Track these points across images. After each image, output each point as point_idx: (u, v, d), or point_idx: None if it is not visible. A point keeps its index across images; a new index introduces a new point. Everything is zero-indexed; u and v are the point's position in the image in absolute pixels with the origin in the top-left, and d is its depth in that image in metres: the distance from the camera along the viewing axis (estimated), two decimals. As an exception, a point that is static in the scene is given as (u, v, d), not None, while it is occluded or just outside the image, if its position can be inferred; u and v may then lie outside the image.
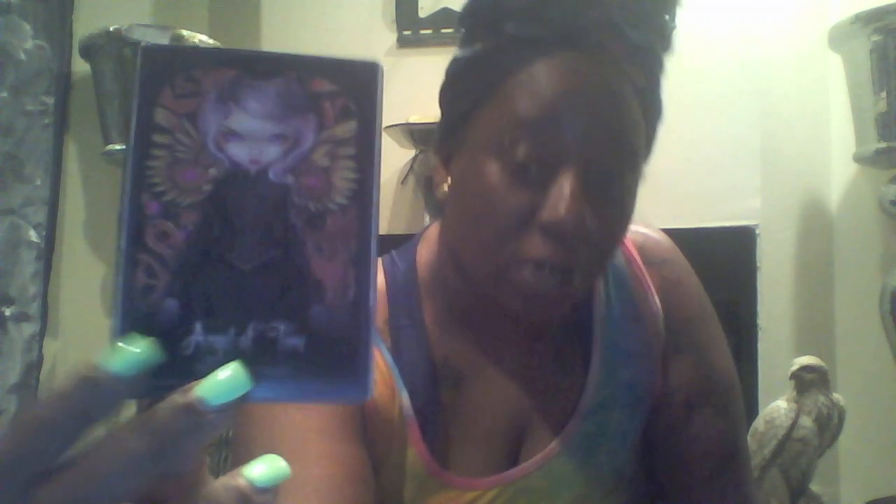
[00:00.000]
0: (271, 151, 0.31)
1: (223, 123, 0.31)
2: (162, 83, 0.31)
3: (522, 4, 0.59)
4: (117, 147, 1.75)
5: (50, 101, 1.75)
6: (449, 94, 0.64)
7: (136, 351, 0.28)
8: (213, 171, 0.31)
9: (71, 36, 1.83)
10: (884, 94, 1.57)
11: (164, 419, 0.28)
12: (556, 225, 0.56)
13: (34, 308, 1.72)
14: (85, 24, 1.81)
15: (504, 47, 0.60)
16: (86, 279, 1.91)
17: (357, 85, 0.32)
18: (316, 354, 0.30)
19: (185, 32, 1.74)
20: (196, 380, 0.29)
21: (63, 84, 1.81)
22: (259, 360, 0.30)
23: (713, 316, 0.75)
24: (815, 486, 1.50)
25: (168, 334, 0.30)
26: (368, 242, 0.31)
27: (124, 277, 0.30)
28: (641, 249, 0.73)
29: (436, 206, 0.67)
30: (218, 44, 1.81)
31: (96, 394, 0.27)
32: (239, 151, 0.31)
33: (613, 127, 0.58)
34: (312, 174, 0.31)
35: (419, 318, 0.67)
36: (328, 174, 0.31)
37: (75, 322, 1.88)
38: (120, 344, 0.28)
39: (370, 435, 0.64)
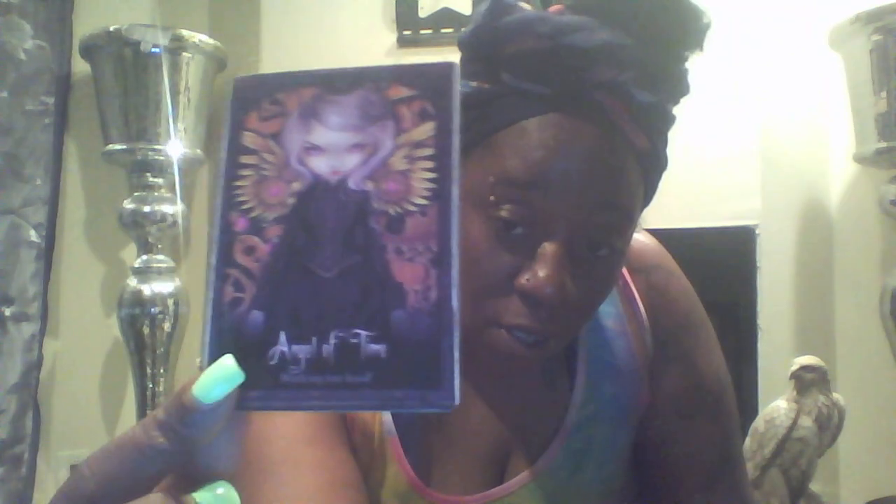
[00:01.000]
0: (351, 161, 0.32)
1: (305, 139, 0.32)
2: (250, 108, 0.33)
3: (522, 56, 0.56)
4: (117, 147, 1.75)
5: (50, 101, 1.75)
6: None
7: (223, 382, 0.29)
8: (296, 185, 0.32)
9: (71, 36, 1.83)
10: (884, 94, 1.57)
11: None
12: (535, 292, 0.54)
13: (34, 308, 1.72)
14: (85, 24, 1.81)
15: (498, 95, 0.57)
16: (86, 279, 1.91)
17: (433, 86, 0.33)
18: (399, 361, 0.29)
19: (185, 32, 1.74)
20: (280, 390, 0.29)
21: (63, 84, 1.81)
22: (342, 368, 0.29)
23: (703, 320, 0.73)
24: (815, 486, 1.50)
25: (254, 345, 0.30)
26: (449, 242, 0.31)
27: (214, 292, 0.31)
28: (627, 258, 0.72)
29: None
30: (218, 44, 1.81)
31: (192, 422, 0.28)
32: (320, 164, 0.32)
33: (605, 198, 0.55)
34: (391, 178, 0.31)
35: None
36: (406, 177, 0.31)
37: (75, 322, 1.88)
38: (209, 373, 0.29)
39: (351, 449, 0.63)
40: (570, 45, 0.54)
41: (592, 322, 0.70)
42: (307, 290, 0.30)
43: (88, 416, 1.89)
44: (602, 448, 0.68)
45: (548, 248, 0.55)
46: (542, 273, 0.54)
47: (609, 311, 0.71)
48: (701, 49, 0.59)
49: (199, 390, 0.28)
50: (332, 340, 0.30)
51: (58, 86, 1.78)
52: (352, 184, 0.31)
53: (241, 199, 0.32)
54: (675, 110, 0.61)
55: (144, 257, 1.78)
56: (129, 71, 1.72)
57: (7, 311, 1.68)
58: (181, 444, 0.28)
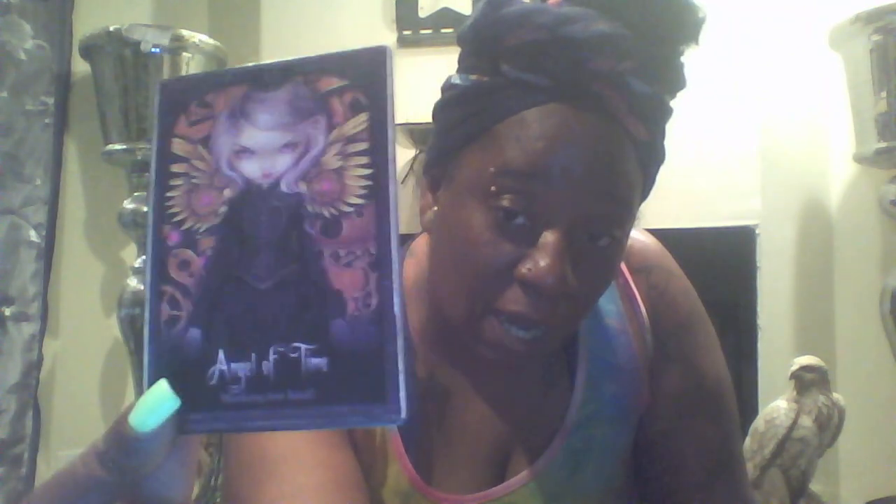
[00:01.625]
0: (283, 162, 0.30)
1: (235, 142, 0.31)
2: (178, 113, 0.31)
3: (522, 48, 0.56)
4: (117, 147, 1.75)
5: (50, 101, 1.75)
6: (442, 120, 0.62)
7: (158, 409, 0.28)
8: (227, 192, 0.30)
9: (71, 36, 1.83)
10: (884, 94, 1.57)
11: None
12: (536, 281, 0.54)
13: (34, 308, 1.72)
14: (85, 24, 1.81)
15: (498, 87, 0.57)
16: (86, 279, 1.91)
17: (366, 74, 0.30)
18: (341, 374, 0.28)
19: (185, 32, 1.74)
20: (222, 411, 0.28)
21: (63, 84, 1.81)
22: (283, 384, 0.28)
23: (703, 319, 0.73)
24: (815, 486, 1.50)
25: (193, 365, 0.29)
26: (388, 243, 0.29)
27: (151, 311, 0.30)
28: (628, 256, 0.72)
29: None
30: (218, 44, 1.81)
31: (132, 451, 0.27)
32: (251, 167, 0.30)
33: (605, 187, 0.56)
34: (324, 178, 0.30)
35: (406, 333, 0.66)
36: (341, 175, 0.30)
37: (75, 322, 1.88)
38: (144, 400, 0.28)
39: (353, 447, 0.63)
40: (570, 35, 0.55)
41: (593, 321, 0.70)
42: (243, 304, 0.29)
43: (88, 416, 1.89)
44: (602, 447, 0.68)
45: (549, 237, 0.55)
46: (543, 263, 0.54)
47: (609, 311, 0.71)
48: (696, 42, 0.59)
49: (135, 419, 0.27)
50: (272, 356, 0.28)
51: (58, 86, 1.78)
52: (284, 186, 0.30)
53: (173, 210, 0.30)
54: (674, 106, 0.61)
55: (144, 257, 1.78)
56: (129, 71, 1.72)
57: (7, 311, 1.67)
58: (123, 475, 0.27)
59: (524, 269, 0.55)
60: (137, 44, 1.68)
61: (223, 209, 0.30)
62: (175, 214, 0.31)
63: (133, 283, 1.76)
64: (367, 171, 0.29)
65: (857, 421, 1.58)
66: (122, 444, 0.27)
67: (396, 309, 0.28)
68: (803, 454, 1.43)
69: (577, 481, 0.66)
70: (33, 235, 1.72)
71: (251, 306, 0.29)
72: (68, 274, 1.87)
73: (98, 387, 1.92)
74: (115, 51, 1.72)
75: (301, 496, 0.57)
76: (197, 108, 0.31)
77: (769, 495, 1.44)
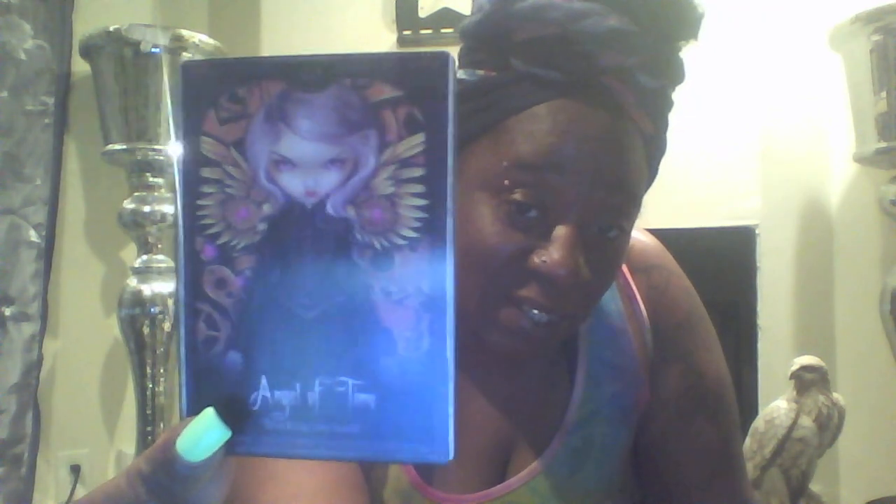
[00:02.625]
0: (328, 179, 0.28)
1: (273, 150, 0.28)
2: (206, 107, 0.29)
3: (533, 43, 0.57)
4: (117, 147, 1.75)
5: (50, 101, 1.75)
6: None
7: (208, 440, 0.27)
8: (266, 208, 0.28)
9: (71, 36, 1.83)
10: (884, 94, 1.57)
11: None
12: (550, 273, 0.55)
13: (34, 308, 1.72)
14: (85, 24, 1.81)
15: (508, 82, 0.57)
16: (86, 279, 1.91)
17: (423, 86, 0.27)
18: (389, 412, 0.27)
19: (185, 32, 1.74)
20: (266, 436, 0.28)
21: (63, 84, 1.81)
22: (329, 417, 0.28)
23: (703, 319, 0.73)
24: (815, 486, 1.50)
25: (234, 388, 0.28)
26: (443, 283, 0.28)
27: (186, 329, 0.29)
28: (628, 256, 0.72)
29: None
30: (218, 44, 1.81)
31: (180, 478, 0.27)
32: (293, 182, 0.28)
33: (616, 179, 0.56)
34: (375, 204, 0.28)
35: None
36: (393, 203, 0.28)
37: (75, 322, 1.88)
38: (193, 429, 0.27)
39: None
40: (581, 31, 0.55)
41: (593, 320, 0.70)
42: (287, 332, 0.28)
43: (88, 416, 1.89)
44: (602, 447, 0.68)
45: (561, 230, 0.56)
46: (556, 255, 0.55)
47: (610, 310, 0.71)
48: (696, 38, 0.60)
49: (183, 446, 0.27)
50: (317, 388, 0.28)
51: (58, 86, 1.78)
52: (330, 209, 0.28)
53: (206, 221, 0.28)
54: (675, 106, 0.62)
55: (144, 257, 1.78)
56: (129, 71, 1.72)
57: (7, 311, 1.67)
58: (168, 499, 0.27)
59: (538, 260, 0.56)
60: (137, 44, 1.68)
61: (262, 226, 0.28)
62: (209, 226, 0.29)
63: (133, 283, 1.76)
64: (422, 203, 0.28)
65: (857, 421, 1.58)
66: (169, 471, 0.27)
67: (449, 353, 0.27)
68: (803, 454, 1.43)
69: (577, 480, 0.67)
70: (33, 235, 1.72)
71: (295, 335, 0.28)
72: (68, 274, 1.87)
73: (98, 387, 1.92)
74: (115, 51, 1.72)
75: (302, 497, 0.57)
76: (228, 104, 0.28)
77: (769, 495, 1.44)
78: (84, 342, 1.90)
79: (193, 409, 0.28)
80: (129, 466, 0.28)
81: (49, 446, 1.80)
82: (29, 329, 1.71)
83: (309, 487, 0.57)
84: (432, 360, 0.27)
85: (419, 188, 0.27)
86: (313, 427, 0.28)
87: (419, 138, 0.27)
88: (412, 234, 0.28)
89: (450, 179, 0.27)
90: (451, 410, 0.27)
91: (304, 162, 0.28)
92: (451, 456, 0.27)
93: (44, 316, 1.76)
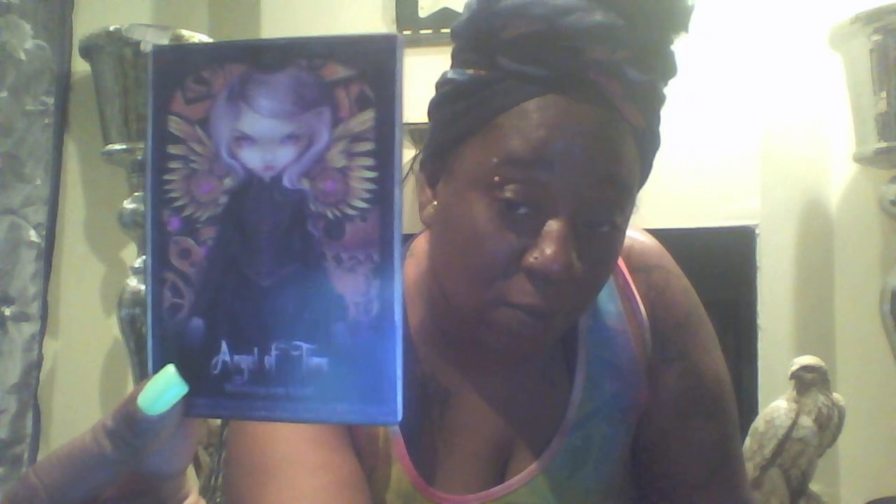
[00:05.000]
0: (285, 154, 0.30)
1: (235, 127, 0.30)
2: (173, 88, 0.30)
3: (519, 40, 0.57)
4: (117, 147, 1.75)
5: (50, 101, 1.75)
6: (438, 115, 0.62)
7: (167, 393, 0.29)
8: (228, 182, 0.30)
9: (71, 36, 1.83)
10: (884, 94, 1.57)
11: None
12: (543, 270, 0.55)
13: (34, 308, 1.72)
14: (85, 24, 1.81)
15: (497, 80, 0.57)
16: (86, 279, 1.91)
17: (374, 65, 0.29)
18: (341, 374, 0.29)
19: (185, 32, 1.74)
20: (225, 399, 0.29)
21: (63, 84, 1.81)
22: (285, 380, 0.29)
23: (703, 320, 0.73)
24: (815, 486, 1.50)
25: (197, 353, 0.30)
26: (391, 251, 0.29)
27: (153, 296, 0.30)
28: (627, 256, 0.72)
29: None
30: (218, 44, 1.81)
31: (140, 431, 0.28)
32: (252, 157, 0.30)
33: (606, 173, 0.56)
34: (328, 177, 0.29)
35: (406, 334, 0.65)
36: (345, 175, 0.29)
37: (75, 322, 1.88)
38: (153, 383, 0.29)
39: (355, 449, 0.63)
40: (567, 26, 0.55)
41: (592, 320, 0.70)
42: (245, 298, 0.29)
43: (88, 416, 1.89)
44: (602, 446, 0.68)
45: (553, 225, 0.56)
46: (549, 251, 0.55)
47: (609, 310, 0.71)
48: (686, 31, 0.60)
49: (143, 401, 0.28)
50: (274, 352, 0.29)
51: (58, 86, 1.78)
52: (287, 181, 0.29)
53: (172, 195, 0.30)
54: (675, 107, 0.63)
55: (144, 257, 1.78)
56: (129, 71, 1.72)
57: (7, 311, 1.68)
58: (130, 453, 0.28)
59: (530, 258, 0.56)
60: (137, 44, 1.68)
61: (224, 199, 0.30)
62: (174, 199, 0.30)
63: (133, 283, 1.76)
64: (373, 175, 0.29)
65: (857, 421, 1.58)
66: (130, 424, 0.28)
67: (396, 317, 0.28)
68: (803, 454, 1.43)
69: (577, 480, 0.67)
70: (33, 235, 1.72)
71: (253, 301, 0.30)
72: (68, 274, 1.87)
73: (98, 387, 1.93)
74: (115, 51, 1.72)
75: (303, 499, 0.57)
76: (194, 85, 0.30)
77: (769, 495, 1.44)
78: (84, 342, 1.90)
79: (158, 372, 0.30)
80: (95, 424, 0.29)
81: (49, 446, 1.80)
82: (29, 329, 1.71)
83: (310, 489, 0.57)
84: (381, 325, 0.29)
85: (369, 161, 0.29)
86: (270, 390, 0.29)
87: (369, 114, 0.29)
88: (363, 205, 0.29)
89: (397, 153, 0.29)
90: (399, 373, 0.28)
91: (263, 138, 0.30)
92: (399, 417, 0.28)
93: (44, 316, 1.76)
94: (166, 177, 0.30)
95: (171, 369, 0.29)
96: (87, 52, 1.76)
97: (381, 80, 0.29)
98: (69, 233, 1.87)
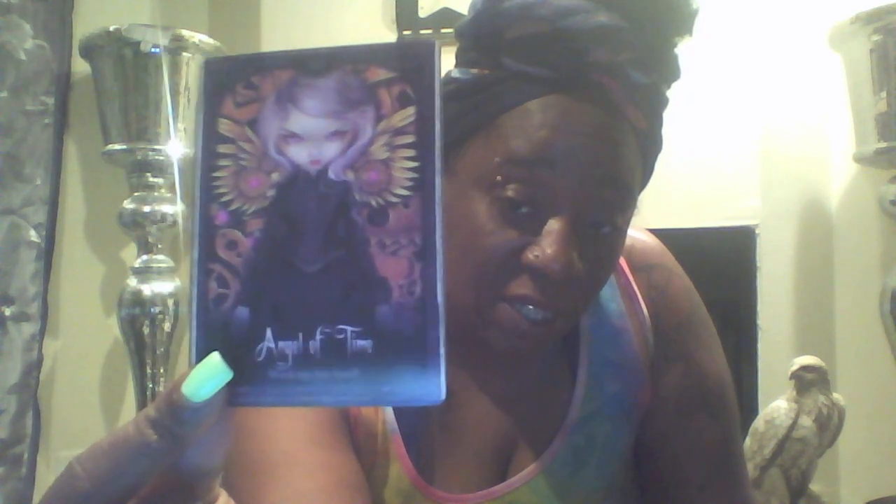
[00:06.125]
0: (330, 149, 0.31)
1: (282, 126, 0.31)
2: (224, 94, 0.32)
3: (523, 41, 0.57)
4: (117, 147, 1.75)
5: (50, 101, 1.75)
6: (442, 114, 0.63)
7: (211, 380, 0.29)
8: (275, 176, 0.31)
9: (71, 36, 1.83)
10: (884, 94, 1.57)
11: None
12: (543, 267, 0.55)
13: (34, 308, 1.72)
14: (85, 24, 1.81)
15: (500, 80, 0.58)
16: (86, 279, 1.91)
17: (413, 67, 0.31)
18: (385, 355, 0.29)
19: (185, 32, 1.74)
20: (269, 386, 0.30)
21: (63, 84, 1.81)
22: (330, 363, 0.30)
23: (704, 319, 0.74)
24: (815, 486, 1.50)
25: (241, 342, 0.30)
26: (433, 235, 0.30)
27: (198, 287, 0.31)
28: (629, 256, 0.72)
29: None
30: (218, 44, 1.81)
31: (184, 420, 0.29)
32: (299, 153, 0.31)
33: (608, 174, 0.57)
34: (372, 168, 0.31)
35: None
36: (388, 166, 0.30)
37: (75, 322, 1.88)
38: (197, 371, 0.29)
39: (354, 448, 0.63)
40: (570, 27, 0.56)
41: (594, 319, 0.70)
42: (291, 286, 0.30)
43: (88, 416, 1.89)
44: (604, 445, 0.68)
45: (554, 225, 0.56)
46: (549, 250, 0.55)
47: (611, 309, 0.71)
48: (690, 34, 0.60)
49: (188, 388, 0.29)
50: (319, 336, 0.30)
51: (58, 86, 1.78)
52: (332, 174, 0.31)
53: (221, 191, 0.31)
54: (675, 107, 0.62)
55: (144, 257, 1.78)
56: (129, 71, 1.72)
57: (7, 311, 1.67)
58: (174, 442, 0.29)
59: (531, 256, 0.56)
60: (137, 44, 1.68)
61: (271, 192, 0.31)
62: (222, 195, 0.31)
63: (133, 283, 1.76)
64: (414, 164, 0.30)
65: (857, 421, 1.58)
66: (174, 412, 0.28)
67: (439, 297, 0.30)
68: (803, 454, 1.43)
69: (578, 479, 0.67)
70: (33, 235, 1.72)
71: (298, 288, 0.30)
72: (68, 274, 1.87)
73: (98, 387, 1.93)
74: (115, 51, 1.72)
75: (302, 499, 0.57)
76: (243, 90, 0.32)
77: (769, 495, 1.44)
78: (84, 342, 1.90)
79: (201, 361, 0.30)
80: (138, 414, 0.29)
81: (49, 446, 1.80)
82: (29, 329, 1.71)
83: (309, 489, 0.57)
84: (424, 306, 0.29)
85: (411, 153, 0.30)
86: (315, 374, 0.30)
87: (410, 111, 0.31)
88: (405, 193, 0.30)
89: (437, 144, 0.30)
90: (442, 351, 0.29)
91: (310, 135, 0.31)
92: (443, 396, 0.29)
93: (44, 316, 1.76)
94: (215, 174, 0.31)
95: (216, 356, 0.29)
96: (87, 52, 1.76)
97: (420, 80, 0.31)
98: (69, 233, 1.87)
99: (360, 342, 0.29)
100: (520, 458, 0.67)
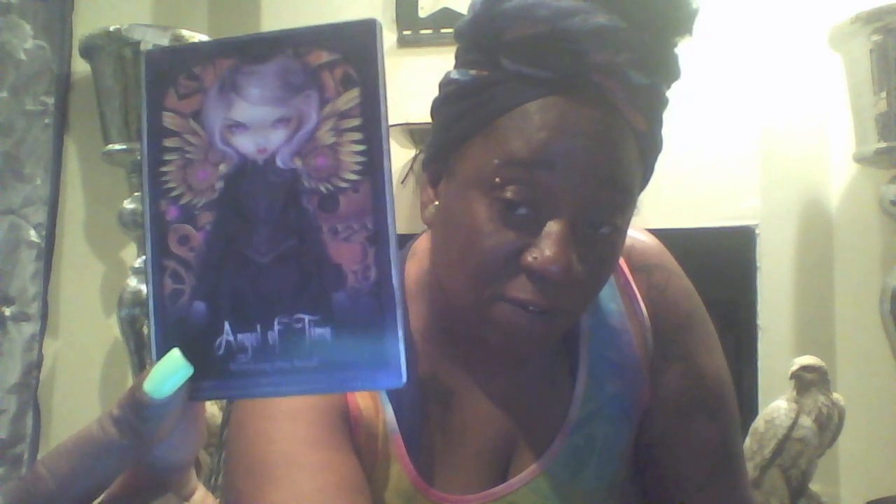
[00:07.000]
0: (276, 137, 0.31)
1: (227, 116, 0.31)
2: (166, 86, 0.31)
3: (522, 42, 0.57)
4: (117, 147, 1.75)
5: (50, 101, 1.75)
6: (441, 115, 0.62)
7: (172, 376, 0.29)
8: (223, 168, 0.31)
9: (71, 36, 1.83)
10: (884, 94, 1.57)
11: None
12: (542, 270, 0.55)
13: (34, 308, 1.72)
14: (85, 24, 1.81)
15: (499, 81, 0.58)
16: (86, 279, 1.91)
17: (356, 48, 0.31)
18: (344, 342, 0.29)
19: (185, 32, 1.74)
20: (231, 379, 0.30)
21: (63, 84, 1.81)
22: (289, 353, 0.30)
23: (704, 319, 0.74)
24: (815, 486, 1.50)
25: (200, 336, 0.30)
26: (385, 218, 0.30)
27: (154, 285, 0.31)
28: (628, 256, 0.72)
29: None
30: (218, 44, 1.81)
31: (147, 417, 0.29)
32: (245, 142, 0.31)
33: (607, 175, 0.57)
34: (319, 154, 0.30)
35: (408, 332, 0.65)
36: (335, 151, 0.30)
37: (75, 322, 1.88)
38: (158, 368, 0.29)
39: (354, 448, 0.63)
40: (569, 28, 0.56)
41: (594, 320, 0.70)
42: (246, 278, 0.30)
43: (88, 416, 1.88)
44: (604, 446, 0.68)
45: (553, 226, 0.56)
46: (548, 251, 0.55)
47: (610, 310, 0.71)
48: (690, 34, 0.60)
49: (150, 386, 0.29)
50: (277, 326, 0.30)
51: (58, 86, 1.78)
52: (280, 162, 0.30)
53: (169, 185, 0.31)
54: (675, 108, 0.62)
55: (144, 257, 1.78)
56: (129, 71, 1.72)
57: (7, 311, 1.68)
58: (138, 439, 0.29)
59: (530, 257, 0.56)
60: (137, 44, 1.68)
61: (219, 184, 0.31)
62: (171, 189, 0.31)
63: (133, 283, 1.76)
64: (361, 148, 0.30)
65: (857, 421, 1.58)
66: (137, 410, 0.29)
67: (394, 280, 0.29)
68: (803, 454, 1.43)
69: (578, 480, 0.67)
70: (33, 235, 1.72)
71: (253, 279, 0.30)
72: (68, 274, 1.87)
73: (98, 387, 1.93)
74: (115, 51, 1.72)
75: (302, 500, 0.57)
76: (186, 81, 0.31)
77: (769, 495, 1.44)
78: (84, 342, 1.90)
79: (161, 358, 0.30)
80: (102, 413, 0.29)
81: (49, 446, 1.80)
82: (29, 329, 1.71)
83: (309, 490, 0.57)
84: (380, 289, 0.29)
85: (357, 136, 0.30)
86: (275, 365, 0.30)
87: (354, 93, 0.30)
88: (354, 177, 0.30)
89: (384, 126, 0.30)
90: (400, 334, 0.29)
91: (255, 124, 0.31)
92: (404, 379, 0.29)
93: (44, 316, 1.76)
94: (163, 169, 0.31)
95: (175, 353, 0.29)
96: (87, 52, 1.76)
97: (363, 60, 0.31)
98: (69, 233, 1.87)
99: (319, 330, 0.29)
100: (520, 458, 0.67)
